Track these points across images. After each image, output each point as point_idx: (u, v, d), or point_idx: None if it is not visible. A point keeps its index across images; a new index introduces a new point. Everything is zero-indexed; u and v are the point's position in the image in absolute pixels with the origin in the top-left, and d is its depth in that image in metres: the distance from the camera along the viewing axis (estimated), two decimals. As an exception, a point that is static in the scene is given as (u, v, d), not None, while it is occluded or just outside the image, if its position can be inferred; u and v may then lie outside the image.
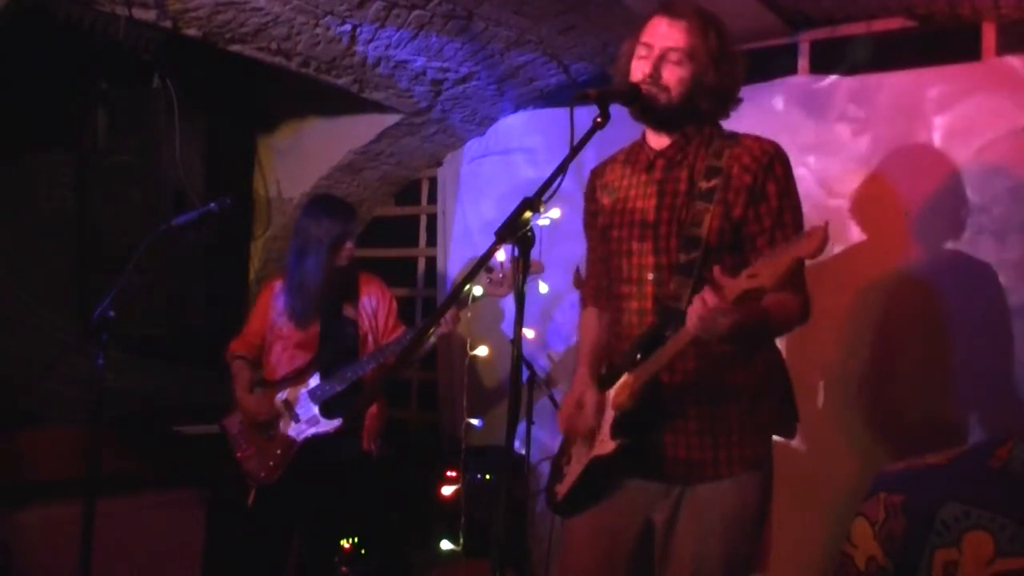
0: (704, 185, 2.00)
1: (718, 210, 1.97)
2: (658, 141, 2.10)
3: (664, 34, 2.00)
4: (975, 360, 3.02)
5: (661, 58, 1.99)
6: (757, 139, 2.05)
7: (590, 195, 2.28)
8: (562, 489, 2.14)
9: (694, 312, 1.73)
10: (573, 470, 2.12)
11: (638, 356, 1.98)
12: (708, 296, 1.69)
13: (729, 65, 2.03)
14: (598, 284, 2.29)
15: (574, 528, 2.17)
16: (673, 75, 1.99)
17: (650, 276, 2.05)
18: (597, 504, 2.10)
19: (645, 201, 2.09)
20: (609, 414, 2.03)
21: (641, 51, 2.03)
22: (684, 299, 1.94)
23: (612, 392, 2.04)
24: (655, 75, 1.99)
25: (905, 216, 3.18)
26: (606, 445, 2.01)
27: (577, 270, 2.42)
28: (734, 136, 2.07)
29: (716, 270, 1.73)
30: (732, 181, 1.98)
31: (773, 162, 1.99)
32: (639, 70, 2.02)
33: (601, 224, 2.19)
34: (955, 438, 2.98)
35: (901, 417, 3.11)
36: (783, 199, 1.98)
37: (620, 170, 2.20)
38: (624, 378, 2.01)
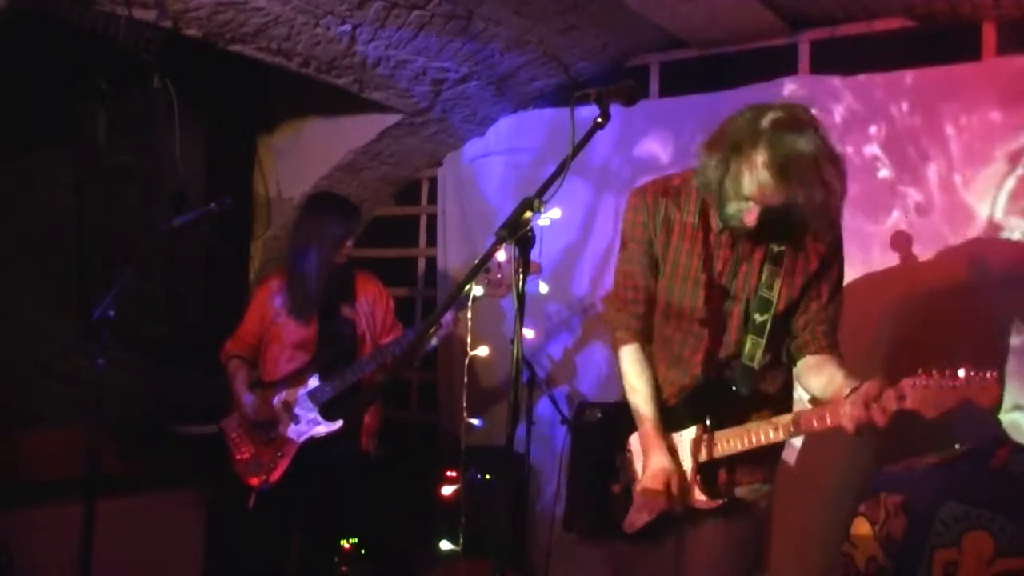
0: (776, 249, 2.08)
1: (787, 279, 2.09)
2: None
3: None
4: (977, 360, 3.01)
5: None
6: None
7: (654, 213, 2.17)
8: (635, 524, 2.19)
9: (852, 417, 1.90)
10: (643, 517, 2.18)
11: (707, 422, 2.10)
12: (878, 415, 1.87)
13: None
14: (640, 308, 2.22)
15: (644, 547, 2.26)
16: None
17: (707, 330, 2.13)
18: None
19: (719, 262, 2.12)
20: (690, 463, 2.12)
21: None
22: (756, 358, 2.08)
23: (689, 443, 2.12)
24: None
25: (907, 216, 3.18)
26: (704, 500, 2.11)
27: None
28: None
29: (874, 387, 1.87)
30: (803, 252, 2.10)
31: (837, 242, 2.14)
32: None
33: (659, 253, 2.18)
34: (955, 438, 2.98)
35: (902, 416, 3.10)
36: (840, 275, 2.18)
37: (684, 219, 2.15)
38: (703, 434, 2.11)
